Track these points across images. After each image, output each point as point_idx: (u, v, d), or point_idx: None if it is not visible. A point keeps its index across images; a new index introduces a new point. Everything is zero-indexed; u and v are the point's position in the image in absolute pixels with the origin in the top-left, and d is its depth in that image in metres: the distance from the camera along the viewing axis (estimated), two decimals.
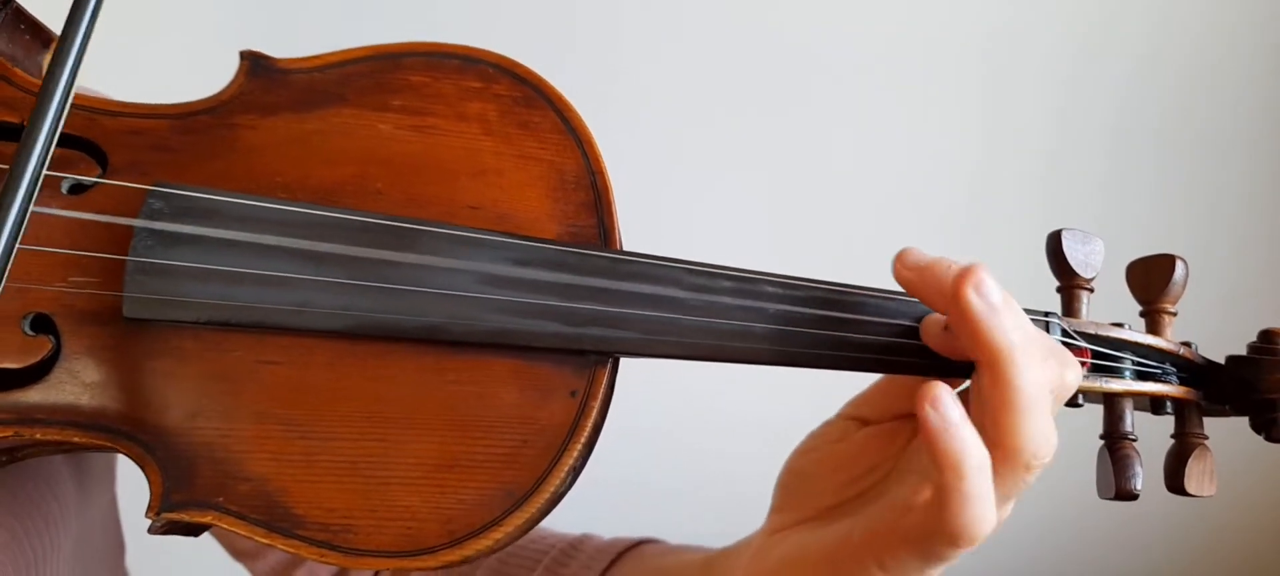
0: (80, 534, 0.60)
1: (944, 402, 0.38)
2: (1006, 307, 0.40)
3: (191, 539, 0.73)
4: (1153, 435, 0.51)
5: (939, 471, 0.39)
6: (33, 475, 0.56)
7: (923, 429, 0.39)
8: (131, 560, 0.70)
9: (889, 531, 0.42)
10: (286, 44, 0.51)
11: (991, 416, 0.40)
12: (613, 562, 0.64)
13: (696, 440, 1.06)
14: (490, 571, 0.67)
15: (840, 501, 0.48)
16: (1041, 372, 0.40)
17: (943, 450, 0.38)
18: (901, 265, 0.44)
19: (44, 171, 0.38)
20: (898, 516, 0.42)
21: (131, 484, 0.70)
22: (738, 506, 0.57)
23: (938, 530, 0.39)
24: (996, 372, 0.39)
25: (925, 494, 0.41)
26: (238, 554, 0.73)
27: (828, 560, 0.44)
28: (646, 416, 1.00)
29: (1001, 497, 0.40)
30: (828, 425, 0.51)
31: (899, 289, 0.46)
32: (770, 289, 0.46)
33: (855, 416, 0.50)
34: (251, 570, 0.73)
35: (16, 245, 0.37)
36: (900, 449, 0.48)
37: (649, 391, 0.89)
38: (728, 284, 0.46)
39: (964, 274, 0.40)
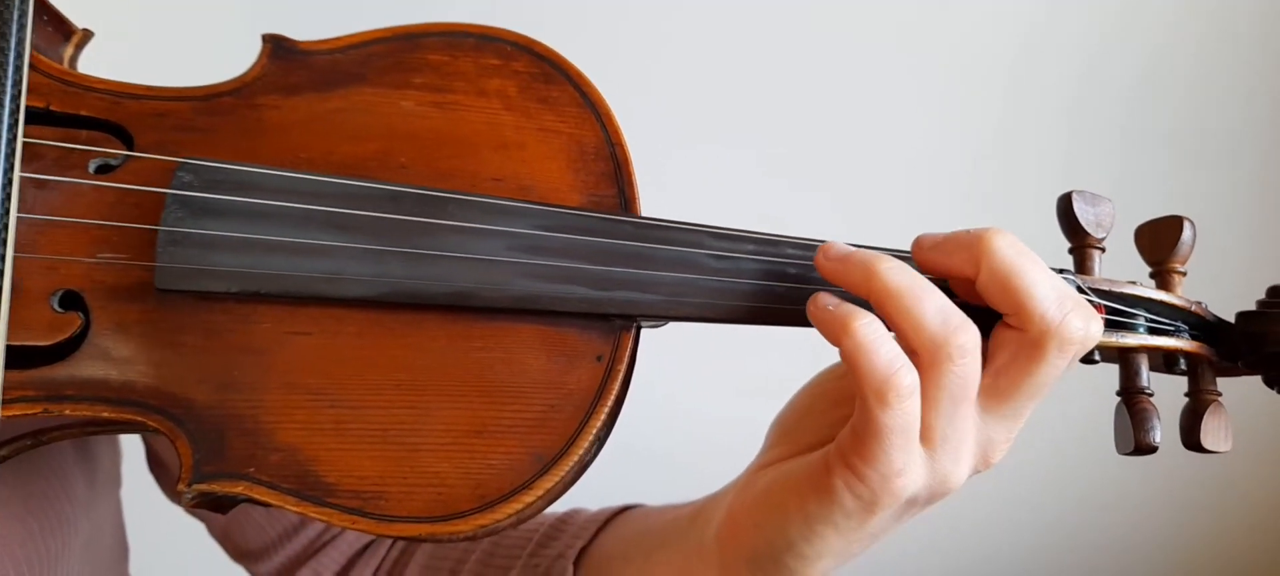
0: (89, 534, 0.60)
1: (819, 298, 0.44)
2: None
3: (197, 541, 0.73)
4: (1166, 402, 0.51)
5: (835, 341, 0.43)
6: (46, 473, 0.56)
7: (813, 321, 0.44)
8: (134, 566, 0.69)
9: (849, 433, 0.44)
10: (306, 29, 0.52)
11: (892, 324, 0.43)
12: (601, 528, 0.64)
13: (725, 412, 1.06)
14: (483, 554, 0.67)
15: (831, 437, 0.49)
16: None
17: (826, 319, 0.43)
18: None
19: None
20: (854, 420, 0.44)
21: (135, 489, 0.70)
22: None
23: (866, 398, 0.42)
24: (870, 290, 0.44)
25: None
26: (240, 555, 0.72)
27: (809, 478, 0.46)
28: (677, 389, 1.02)
29: (951, 399, 0.43)
30: (837, 363, 0.53)
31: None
32: (791, 250, 0.47)
33: None
34: (254, 572, 0.72)
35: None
36: None
37: (675, 365, 0.90)
38: (750, 246, 0.47)
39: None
